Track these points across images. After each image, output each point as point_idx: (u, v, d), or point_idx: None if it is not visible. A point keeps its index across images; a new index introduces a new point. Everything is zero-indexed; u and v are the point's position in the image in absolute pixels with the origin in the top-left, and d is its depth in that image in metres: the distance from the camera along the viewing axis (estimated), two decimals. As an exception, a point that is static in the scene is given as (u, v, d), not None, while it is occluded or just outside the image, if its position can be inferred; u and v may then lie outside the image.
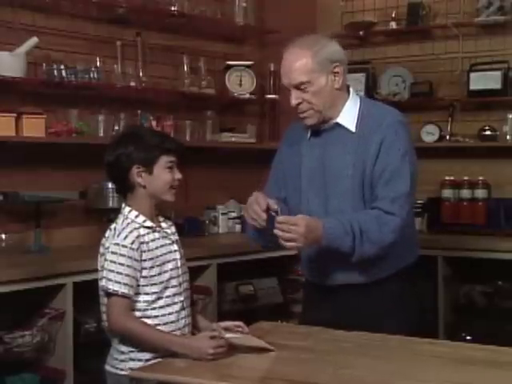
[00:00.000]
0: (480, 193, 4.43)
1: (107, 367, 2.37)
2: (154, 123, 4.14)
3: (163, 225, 2.43)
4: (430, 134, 4.58)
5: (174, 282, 2.36)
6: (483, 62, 4.49)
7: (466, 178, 4.46)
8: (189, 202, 4.30)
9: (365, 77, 4.75)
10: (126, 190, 2.39)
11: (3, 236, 3.60)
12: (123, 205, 2.40)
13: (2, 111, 3.49)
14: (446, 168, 4.55)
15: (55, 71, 3.74)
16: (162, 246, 2.37)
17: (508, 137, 4.38)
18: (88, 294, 2.66)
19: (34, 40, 3.60)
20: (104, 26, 4.05)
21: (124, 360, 2.31)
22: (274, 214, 2.40)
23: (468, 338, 3.87)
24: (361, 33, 4.85)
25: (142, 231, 2.33)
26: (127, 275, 2.25)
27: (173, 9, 4.25)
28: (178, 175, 2.40)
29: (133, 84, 4.07)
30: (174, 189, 2.40)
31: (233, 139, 4.60)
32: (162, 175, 2.36)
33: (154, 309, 2.31)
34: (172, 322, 2.33)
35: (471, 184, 4.45)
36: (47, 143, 3.69)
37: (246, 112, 4.90)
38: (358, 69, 4.64)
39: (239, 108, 4.85)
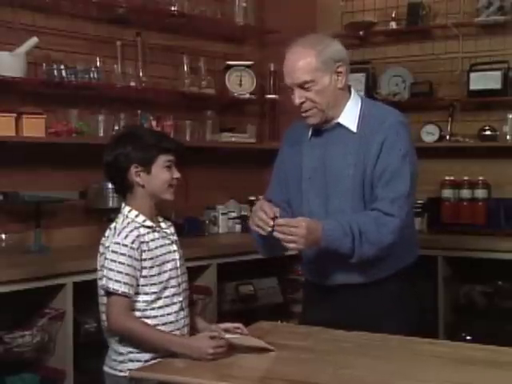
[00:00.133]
0: (480, 193, 4.42)
1: (106, 368, 2.37)
2: (154, 123, 4.14)
3: (162, 225, 2.43)
4: (429, 134, 4.58)
5: (173, 282, 2.36)
6: (483, 62, 4.49)
7: (465, 178, 4.46)
8: (189, 201, 4.30)
9: (365, 77, 4.74)
10: (124, 189, 2.39)
11: (3, 236, 3.60)
12: (123, 204, 2.40)
13: (2, 111, 3.49)
14: (446, 168, 4.55)
15: (55, 71, 3.74)
16: (161, 245, 2.37)
17: (508, 137, 4.38)
18: (88, 293, 2.66)
19: (33, 40, 3.60)
20: (104, 26, 4.05)
21: (122, 361, 2.31)
22: (274, 217, 2.40)
23: (468, 338, 3.86)
24: (361, 33, 4.85)
25: (142, 231, 2.33)
26: (127, 274, 2.25)
27: (173, 9, 4.25)
28: (177, 174, 2.40)
29: (133, 84, 4.07)
30: (173, 187, 2.40)
31: (233, 139, 4.60)
32: (161, 174, 2.37)
33: (153, 309, 2.31)
34: (171, 323, 2.33)
35: (471, 184, 4.45)
36: (47, 143, 3.69)
37: (246, 112, 4.90)
38: (358, 69, 4.64)
39: (239, 108, 4.85)
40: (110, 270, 2.26)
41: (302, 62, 2.48)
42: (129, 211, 2.36)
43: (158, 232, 2.38)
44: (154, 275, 2.32)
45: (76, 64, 3.82)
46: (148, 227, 2.35)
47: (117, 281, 2.24)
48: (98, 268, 2.36)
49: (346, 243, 2.41)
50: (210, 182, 4.52)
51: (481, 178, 4.43)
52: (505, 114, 4.39)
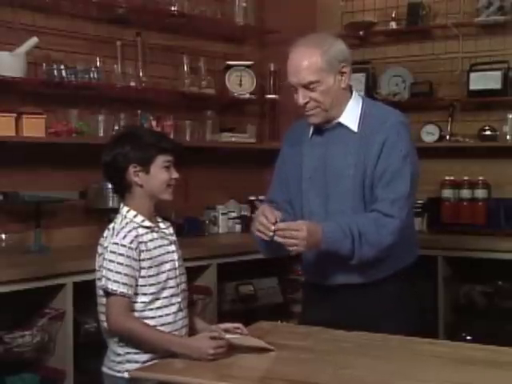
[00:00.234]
0: (480, 193, 4.42)
1: (104, 369, 2.36)
2: (154, 123, 4.14)
3: (161, 225, 2.43)
4: (429, 134, 4.58)
5: (171, 282, 2.36)
6: (483, 62, 4.49)
7: (466, 178, 4.46)
8: (189, 201, 4.30)
9: (365, 77, 4.74)
10: (123, 189, 2.39)
11: (3, 236, 3.60)
12: (121, 205, 2.40)
13: (2, 111, 3.49)
14: (446, 168, 4.55)
15: (55, 71, 3.73)
16: (160, 246, 2.37)
17: (508, 137, 4.37)
18: (88, 294, 2.65)
19: (33, 40, 3.59)
20: (104, 26, 4.05)
21: (121, 362, 2.31)
22: (275, 221, 2.41)
23: (468, 338, 3.86)
24: (361, 33, 4.85)
25: (141, 231, 2.33)
26: (126, 275, 2.25)
27: (173, 9, 4.25)
28: (175, 174, 2.40)
29: (133, 84, 4.07)
30: (171, 187, 2.40)
31: (233, 139, 4.60)
32: (159, 174, 2.37)
33: (152, 310, 2.31)
34: (169, 324, 2.33)
35: (471, 184, 4.45)
36: (47, 143, 3.69)
37: (246, 112, 4.89)
38: (358, 69, 4.62)
39: (239, 108, 4.85)
40: (109, 270, 2.26)
41: (308, 61, 2.47)
42: (127, 211, 2.36)
43: (157, 232, 2.38)
44: (153, 275, 2.31)
45: (76, 64, 3.82)
46: (146, 227, 2.35)
47: (115, 281, 2.24)
48: (97, 268, 2.35)
49: (345, 245, 2.42)
50: (209, 182, 4.52)
51: (481, 177, 4.43)
52: (505, 114, 4.39)
